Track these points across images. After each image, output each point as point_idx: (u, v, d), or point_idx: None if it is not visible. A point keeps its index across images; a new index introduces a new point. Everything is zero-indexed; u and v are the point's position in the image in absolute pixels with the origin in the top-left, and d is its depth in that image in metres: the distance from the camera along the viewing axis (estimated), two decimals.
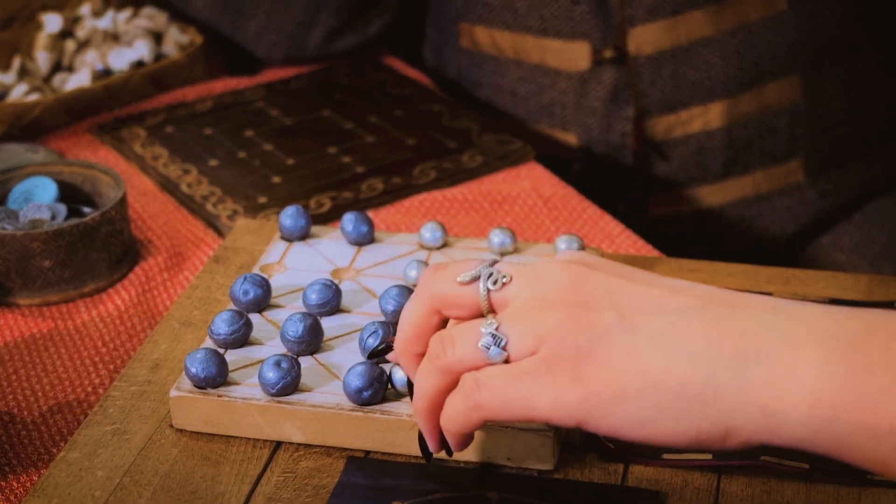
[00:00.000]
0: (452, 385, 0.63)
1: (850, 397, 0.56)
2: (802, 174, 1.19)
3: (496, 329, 0.61)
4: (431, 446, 0.66)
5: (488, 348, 0.61)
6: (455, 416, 0.62)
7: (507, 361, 0.61)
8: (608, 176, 1.17)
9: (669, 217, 1.17)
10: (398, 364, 0.68)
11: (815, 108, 1.17)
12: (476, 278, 0.62)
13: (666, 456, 0.71)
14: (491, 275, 0.62)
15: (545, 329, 0.60)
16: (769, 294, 0.83)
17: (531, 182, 1.01)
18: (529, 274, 0.62)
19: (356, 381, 0.71)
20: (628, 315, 0.59)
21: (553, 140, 1.17)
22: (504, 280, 0.62)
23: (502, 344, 0.60)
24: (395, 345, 0.66)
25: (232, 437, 0.73)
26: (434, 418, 0.64)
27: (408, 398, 0.70)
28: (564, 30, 1.14)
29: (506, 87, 1.18)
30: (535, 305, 0.60)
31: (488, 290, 0.62)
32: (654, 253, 0.94)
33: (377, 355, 0.70)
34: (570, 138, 1.17)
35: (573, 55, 1.14)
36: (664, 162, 1.16)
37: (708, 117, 1.15)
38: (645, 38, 1.12)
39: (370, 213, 0.97)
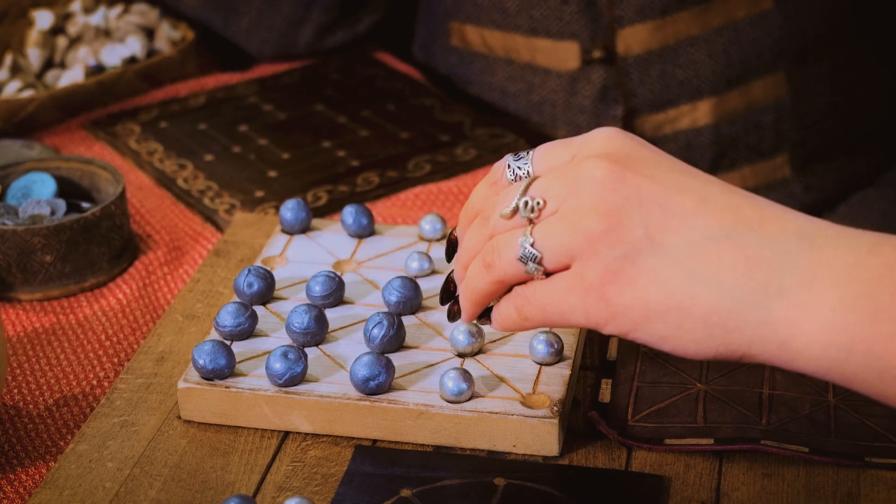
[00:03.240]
0: (503, 290, 0.67)
1: (860, 341, 0.59)
2: (788, 169, 1.20)
3: (532, 245, 0.64)
4: (465, 319, 0.70)
5: (526, 263, 0.65)
6: (509, 322, 0.68)
7: (548, 272, 0.65)
8: None
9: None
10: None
11: (799, 104, 1.19)
12: (515, 210, 0.65)
13: (668, 441, 0.72)
14: (527, 204, 0.65)
15: (576, 245, 0.63)
16: None
17: None
18: (563, 188, 0.64)
19: (363, 371, 0.72)
20: (657, 233, 0.62)
21: (543, 137, 1.18)
22: (539, 206, 0.65)
23: (537, 259, 0.64)
24: (457, 265, 0.70)
25: (240, 427, 0.74)
26: (479, 309, 0.69)
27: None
28: (554, 30, 1.15)
29: (496, 86, 1.19)
30: (568, 218, 0.63)
31: (529, 218, 0.65)
32: None
33: (448, 297, 0.72)
34: (560, 136, 1.18)
35: (563, 55, 1.15)
36: None
37: (696, 115, 1.16)
38: (634, 39, 1.14)
39: None
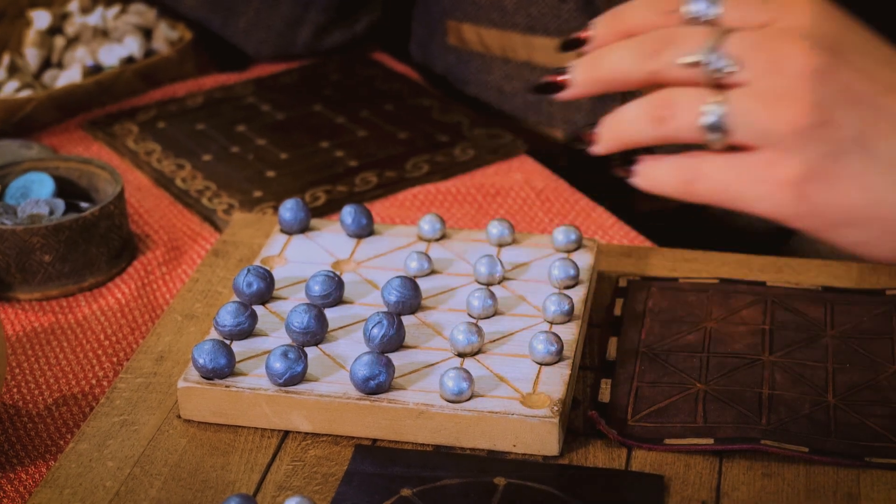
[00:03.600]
0: (662, 144, 0.61)
1: None
2: None
3: (721, 116, 0.58)
4: (599, 152, 0.64)
5: (710, 131, 0.59)
6: (664, 187, 0.62)
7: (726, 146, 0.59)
8: (593, 171, 1.18)
9: (655, 212, 1.18)
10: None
11: None
12: (698, 64, 0.59)
13: (668, 441, 0.72)
14: (715, 62, 0.58)
15: (777, 132, 0.57)
16: (763, 283, 0.84)
17: (523, 174, 1.03)
18: (765, 62, 0.58)
19: (363, 371, 0.72)
20: (866, 134, 0.57)
21: (540, 136, 1.18)
22: (731, 70, 0.59)
23: (725, 129, 0.58)
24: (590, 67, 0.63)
25: (240, 427, 0.74)
26: (621, 149, 0.63)
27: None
28: (552, 27, 1.15)
29: (492, 84, 1.19)
30: (772, 100, 0.58)
31: (712, 77, 0.59)
32: (647, 244, 0.95)
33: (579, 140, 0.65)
34: (557, 134, 1.18)
35: (560, 52, 1.15)
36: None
37: None
38: None
39: None
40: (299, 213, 0.86)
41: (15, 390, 0.81)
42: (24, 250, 0.88)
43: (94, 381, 0.82)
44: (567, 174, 1.06)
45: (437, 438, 0.72)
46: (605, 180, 1.17)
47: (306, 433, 0.73)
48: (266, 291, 0.80)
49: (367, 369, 0.72)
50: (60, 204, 0.93)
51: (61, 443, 0.77)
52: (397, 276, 0.79)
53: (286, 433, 0.73)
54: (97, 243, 0.90)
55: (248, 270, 0.80)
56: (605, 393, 0.76)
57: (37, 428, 0.78)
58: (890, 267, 0.86)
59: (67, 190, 0.96)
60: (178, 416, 0.75)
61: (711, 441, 0.72)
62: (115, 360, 0.83)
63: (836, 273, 0.86)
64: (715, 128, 0.58)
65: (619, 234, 0.96)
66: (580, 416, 0.74)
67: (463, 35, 1.19)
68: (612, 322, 0.82)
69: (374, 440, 0.73)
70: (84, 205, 0.95)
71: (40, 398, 0.80)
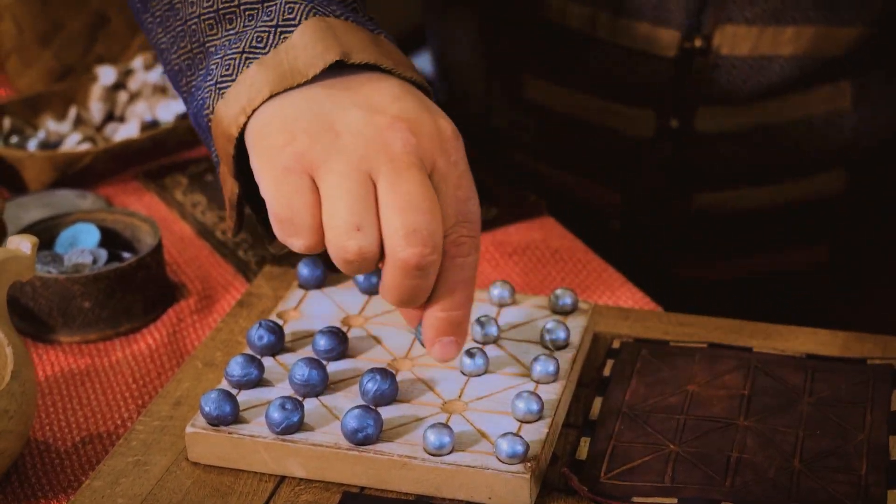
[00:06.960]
0: None
1: None
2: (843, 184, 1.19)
3: None
4: None
5: None
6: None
7: None
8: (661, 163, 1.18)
9: (714, 206, 1.18)
10: None
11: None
12: None
13: (636, 499, 0.76)
14: None
15: None
16: (749, 349, 0.88)
17: (542, 234, 1.08)
18: None
19: (352, 423, 0.78)
20: None
21: (562, 195, 1.20)
22: None
23: None
24: None
25: (240, 470, 0.80)
26: None
27: (399, 441, 0.77)
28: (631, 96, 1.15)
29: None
30: None
31: None
32: (652, 306, 0.99)
33: None
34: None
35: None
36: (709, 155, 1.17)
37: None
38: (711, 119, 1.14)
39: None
40: (316, 270, 0.93)
41: (47, 427, 0.88)
42: (65, 297, 0.96)
43: (118, 422, 0.88)
44: (587, 236, 1.10)
45: (420, 488, 0.77)
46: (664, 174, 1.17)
47: (301, 479, 0.79)
48: (276, 344, 0.86)
49: (356, 422, 0.78)
50: (103, 254, 1.01)
51: (83, 479, 0.83)
52: (398, 334, 0.84)
53: (282, 478, 0.79)
54: (133, 292, 0.97)
55: (260, 324, 0.86)
56: (582, 450, 0.80)
57: (63, 464, 0.85)
58: (875, 336, 0.89)
59: (113, 240, 1.03)
60: (187, 459, 0.81)
61: (675, 501, 0.76)
62: (139, 402, 0.90)
63: (822, 341, 0.89)
64: None
65: (627, 295, 1.00)
66: (557, 471, 0.79)
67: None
68: (600, 381, 0.86)
69: (362, 488, 0.78)
70: (126, 254, 1.02)
71: (69, 436, 0.87)
